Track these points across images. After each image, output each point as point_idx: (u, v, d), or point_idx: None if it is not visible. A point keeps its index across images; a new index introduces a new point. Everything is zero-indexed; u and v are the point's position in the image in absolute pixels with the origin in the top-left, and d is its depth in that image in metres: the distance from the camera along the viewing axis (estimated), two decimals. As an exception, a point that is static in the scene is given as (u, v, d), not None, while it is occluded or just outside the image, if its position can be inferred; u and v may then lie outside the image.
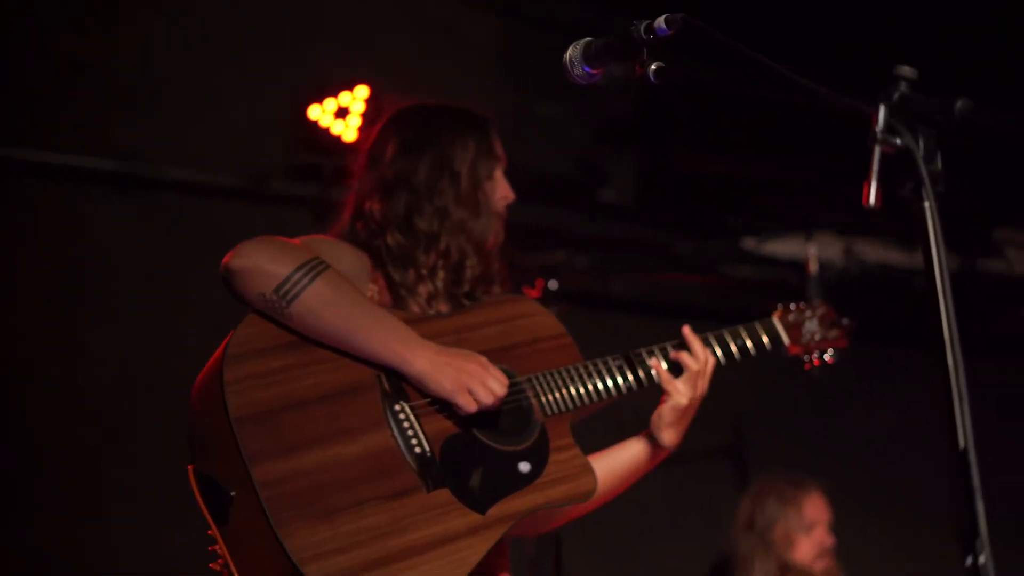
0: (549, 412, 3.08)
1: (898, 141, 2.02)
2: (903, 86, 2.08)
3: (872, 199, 2.01)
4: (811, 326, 3.56)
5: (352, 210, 3.28)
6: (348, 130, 5.37)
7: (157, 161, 5.40)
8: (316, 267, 2.88)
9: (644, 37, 2.40)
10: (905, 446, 6.65)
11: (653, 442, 3.26)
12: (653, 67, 2.41)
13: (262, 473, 2.66)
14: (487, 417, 2.96)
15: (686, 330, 3.29)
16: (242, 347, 2.78)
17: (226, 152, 5.55)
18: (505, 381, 2.94)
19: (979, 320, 6.60)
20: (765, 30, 6.03)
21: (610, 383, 3.20)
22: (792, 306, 3.56)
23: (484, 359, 2.94)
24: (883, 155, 2.03)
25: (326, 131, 5.38)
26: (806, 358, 3.57)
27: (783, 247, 6.67)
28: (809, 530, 5.41)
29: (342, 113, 5.37)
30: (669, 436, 3.24)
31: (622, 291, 6.54)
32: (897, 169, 2.03)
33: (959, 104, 2.02)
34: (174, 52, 5.37)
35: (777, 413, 6.83)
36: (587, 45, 2.54)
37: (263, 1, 5.52)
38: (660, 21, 2.38)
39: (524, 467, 2.97)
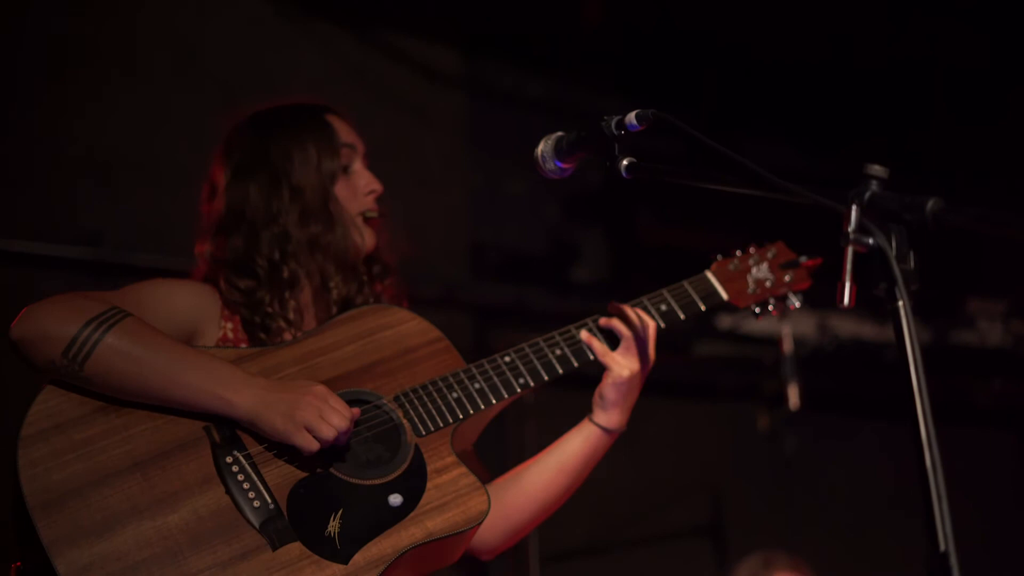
0: (423, 431, 2.70)
1: (870, 241, 2.01)
2: (874, 185, 2.08)
3: (846, 299, 2.00)
4: (760, 273, 3.16)
5: (200, 249, 2.98)
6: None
7: (124, 246, 5.36)
8: (109, 318, 2.53)
9: (615, 132, 2.41)
10: (883, 517, 6.63)
11: (599, 427, 2.92)
12: (625, 162, 2.42)
13: (66, 564, 2.35)
14: (343, 451, 2.60)
15: (612, 304, 2.94)
16: (38, 424, 2.48)
17: (192, 236, 5.51)
18: (348, 412, 2.57)
19: (951, 392, 6.62)
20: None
21: (498, 383, 2.82)
22: (737, 252, 3.20)
23: (322, 388, 2.58)
24: (856, 254, 2.02)
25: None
26: (757, 309, 3.19)
27: (758, 324, 6.66)
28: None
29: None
30: (614, 417, 2.91)
31: (598, 369, 6.50)
32: (871, 267, 2.03)
33: (930, 204, 2.01)
34: (140, 136, 5.34)
35: (752, 488, 6.79)
36: (558, 140, 2.55)
37: (230, 85, 5.50)
38: (631, 117, 2.39)
39: (395, 500, 2.59)
